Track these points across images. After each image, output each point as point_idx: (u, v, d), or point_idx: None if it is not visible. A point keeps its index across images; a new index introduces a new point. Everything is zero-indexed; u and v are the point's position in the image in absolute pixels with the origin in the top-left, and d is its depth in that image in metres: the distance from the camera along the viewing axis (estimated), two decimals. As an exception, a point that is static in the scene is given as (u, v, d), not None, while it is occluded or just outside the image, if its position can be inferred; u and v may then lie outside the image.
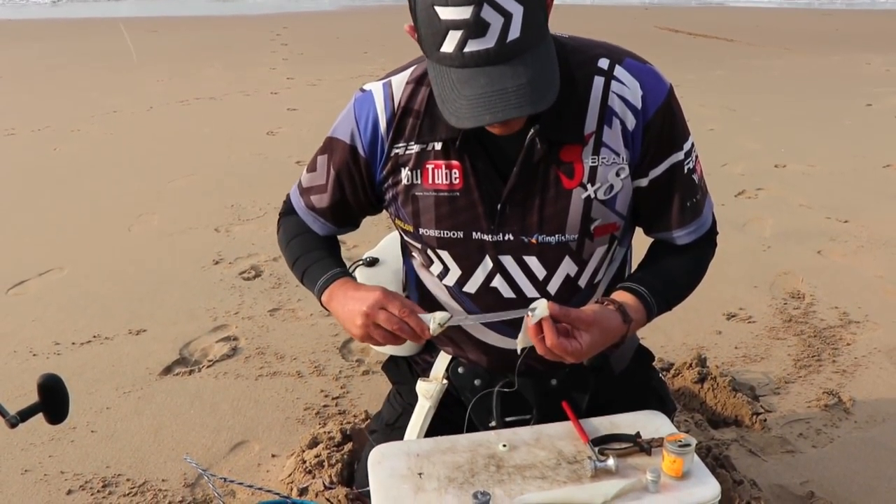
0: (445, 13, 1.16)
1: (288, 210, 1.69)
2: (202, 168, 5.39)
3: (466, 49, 1.17)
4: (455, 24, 1.16)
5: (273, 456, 2.28)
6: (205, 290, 3.43)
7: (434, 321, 1.32)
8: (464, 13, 1.14)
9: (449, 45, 1.18)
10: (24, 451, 2.31)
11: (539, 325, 1.28)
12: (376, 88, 1.50)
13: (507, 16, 1.16)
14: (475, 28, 1.15)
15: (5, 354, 2.89)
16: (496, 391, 1.56)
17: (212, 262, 3.74)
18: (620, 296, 1.43)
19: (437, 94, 1.25)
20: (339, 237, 1.69)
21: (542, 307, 1.28)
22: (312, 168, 1.60)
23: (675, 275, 1.52)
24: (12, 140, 6.22)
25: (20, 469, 2.23)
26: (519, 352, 1.36)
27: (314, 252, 1.58)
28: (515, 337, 1.40)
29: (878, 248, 3.89)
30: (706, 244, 1.57)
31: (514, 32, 1.17)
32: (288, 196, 1.70)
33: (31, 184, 5.10)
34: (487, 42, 1.16)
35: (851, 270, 3.63)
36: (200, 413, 2.52)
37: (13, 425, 0.95)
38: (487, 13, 1.14)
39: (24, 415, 0.96)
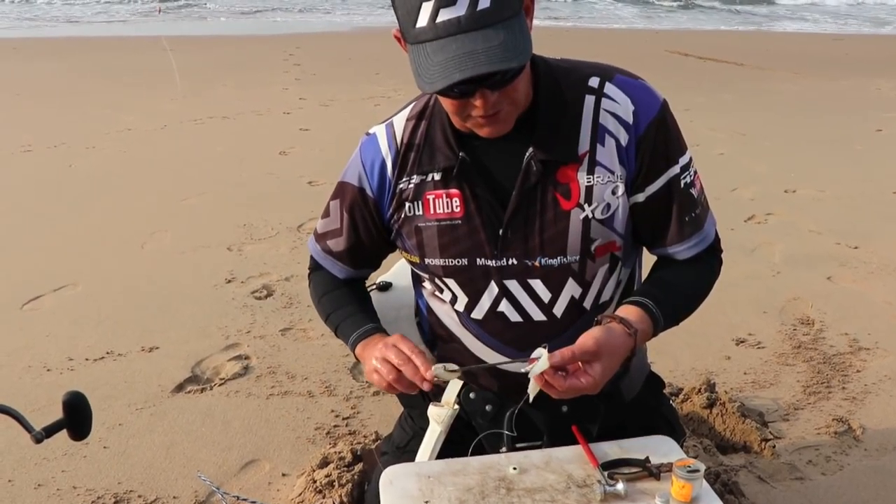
0: None
1: (315, 265, 1.72)
2: (215, 187, 5.44)
3: (439, 19, 1.21)
4: None
5: (283, 475, 2.30)
6: (217, 309, 3.46)
7: (440, 365, 1.36)
8: None
9: (423, 19, 1.22)
10: (38, 465, 2.34)
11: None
12: (380, 131, 1.54)
13: None
14: None
15: (20, 369, 2.93)
16: (507, 416, 1.57)
17: (224, 281, 3.78)
18: (621, 310, 1.44)
19: (414, 72, 1.28)
20: None
21: (541, 361, 1.28)
22: (326, 214, 1.64)
23: (676, 284, 1.52)
24: (29, 156, 6.29)
25: (34, 483, 2.26)
26: (531, 401, 1.37)
27: (346, 307, 1.62)
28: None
29: (889, 275, 3.89)
30: (710, 257, 1.57)
31: (485, 2, 1.21)
32: (311, 259, 1.74)
33: (47, 200, 5.16)
34: (458, 10, 1.20)
35: (861, 296, 3.63)
36: (212, 431, 2.54)
37: (38, 441, 0.97)
38: None
39: (50, 431, 0.98)
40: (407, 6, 1.24)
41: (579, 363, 1.31)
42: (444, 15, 1.21)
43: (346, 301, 1.64)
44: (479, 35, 1.21)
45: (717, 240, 1.59)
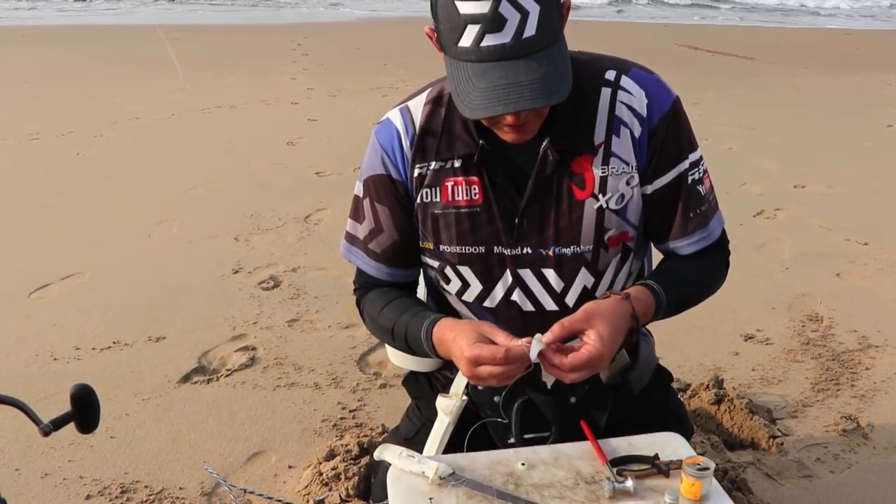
0: (465, 7, 1.21)
1: (362, 292, 1.65)
2: (222, 177, 5.44)
3: (483, 43, 1.22)
4: (474, 19, 1.21)
5: (290, 467, 2.30)
6: (224, 299, 3.46)
7: (536, 342, 1.29)
8: (482, 8, 1.19)
9: (467, 40, 1.23)
10: (44, 454, 2.34)
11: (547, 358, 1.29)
12: (394, 114, 1.53)
13: (524, 13, 1.20)
14: (493, 23, 1.20)
15: (26, 357, 2.93)
16: (515, 408, 1.57)
17: (231, 271, 3.77)
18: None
19: (452, 88, 1.28)
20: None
21: (534, 343, 1.27)
22: (359, 217, 1.58)
23: (681, 272, 1.53)
24: (36, 144, 6.29)
25: (40, 473, 2.26)
26: (549, 387, 1.37)
27: (403, 315, 1.52)
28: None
29: (898, 272, 3.86)
30: (715, 252, 1.57)
31: (530, 30, 1.21)
32: (356, 278, 1.67)
33: (54, 188, 5.16)
34: (504, 37, 1.21)
35: (871, 293, 3.61)
36: (218, 422, 2.54)
37: (46, 433, 0.97)
38: (505, 9, 1.19)
39: (57, 424, 0.98)
40: (451, 22, 1.23)
41: (578, 338, 1.31)
42: (490, 40, 1.21)
43: (401, 309, 1.54)
44: (523, 64, 1.22)
45: (724, 240, 1.59)
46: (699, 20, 19.16)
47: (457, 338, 1.35)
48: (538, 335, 1.29)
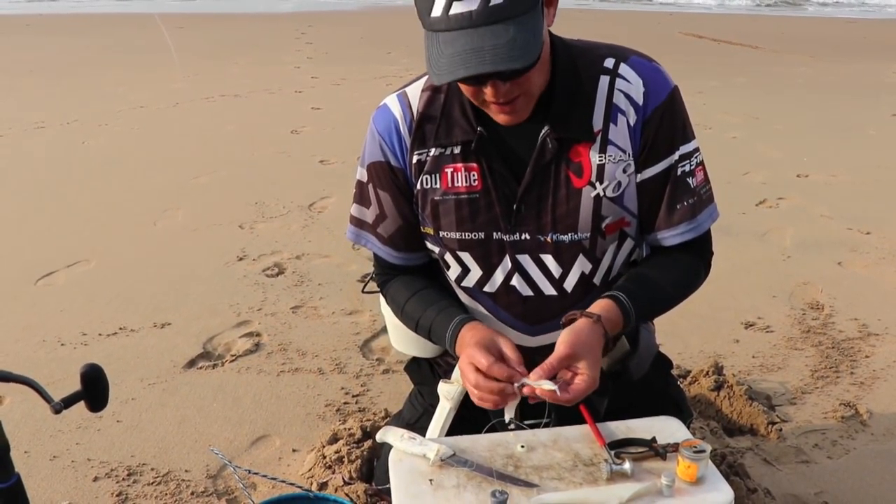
0: None
1: (385, 278, 1.68)
2: (226, 165, 5.46)
3: (452, 11, 1.24)
4: None
5: (294, 451, 2.32)
6: (228, 286, 3.49)
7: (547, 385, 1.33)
8: None
9: (437, 10, 1.25)
10: (53, 437, 2.37)
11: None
12: (391, 100, 1.55)
13: None
14: None
15: (34, 343, 2.96)
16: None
17: (235, 259, 3.80)
18: (592, 306, 1.45)
19: (426, 59, 1.30)
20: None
21: (546, 385, 1.31)
22: (365, 202, 1.62)
23: (653, 280, 1.53)
24: (42, 133, 6.32)
25: (49, 455, 2.29)
26: (508, 421, 1.41)
27: (429, 310, 1.57)
28: (535, 335, 1.44)
29: (900, 261, 3.87)
30: (696, 257, 1.57)
31: None
32: (374, 264, 1.70)
33: (60, 176, 5.19)
34: (471, 4, 1.22)
35: (872, 282, 3.62)
36: (223, 406, 2.57)
37: (57, 411, 1.00)
38: None
39: (68, 402, 1.01)
40: None
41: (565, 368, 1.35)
42: (457, 8, 1.23)
43: (429, 301, 1.58)
44: (489, 31, 1.23)
45: (708, 240, 1.59)
46: (718, 9, 19.04)
47: (475, 339, 1.41)
48: (527, 381, 1.32)
